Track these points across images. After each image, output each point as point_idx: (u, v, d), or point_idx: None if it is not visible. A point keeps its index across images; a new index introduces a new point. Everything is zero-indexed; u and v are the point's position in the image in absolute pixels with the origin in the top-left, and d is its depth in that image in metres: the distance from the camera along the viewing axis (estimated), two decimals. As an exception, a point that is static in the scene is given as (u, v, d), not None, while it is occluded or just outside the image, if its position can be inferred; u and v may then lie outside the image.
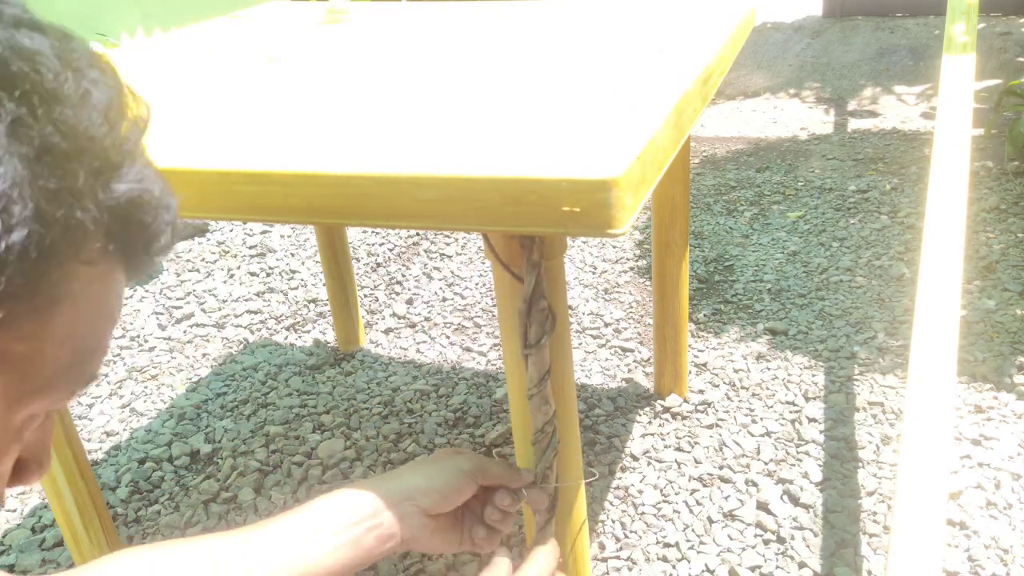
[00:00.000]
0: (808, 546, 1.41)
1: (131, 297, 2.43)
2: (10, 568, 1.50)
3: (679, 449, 1.65)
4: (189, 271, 2.57)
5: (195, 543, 0.66)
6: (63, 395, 0.38)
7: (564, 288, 0.85)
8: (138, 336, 2.23)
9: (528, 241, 0.77)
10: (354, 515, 0.71)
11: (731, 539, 1.44)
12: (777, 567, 1.38)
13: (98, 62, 0.37)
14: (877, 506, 1.48)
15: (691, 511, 1.50)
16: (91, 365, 0.39)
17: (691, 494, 1.54)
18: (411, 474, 0.78)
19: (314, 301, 2.34)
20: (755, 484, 1.55)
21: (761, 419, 1.72)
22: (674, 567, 1.40)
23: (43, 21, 0.36)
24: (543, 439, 0.86)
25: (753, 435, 1.68)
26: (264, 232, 2.79)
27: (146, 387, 2.01)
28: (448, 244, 2.62)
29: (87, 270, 0.36)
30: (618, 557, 1.43)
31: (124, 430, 1.85)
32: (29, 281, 0.33)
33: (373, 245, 2.65)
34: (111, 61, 0.38)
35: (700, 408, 1.76)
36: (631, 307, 2.19)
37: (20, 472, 0.42)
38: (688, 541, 1.45)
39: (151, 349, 2.17)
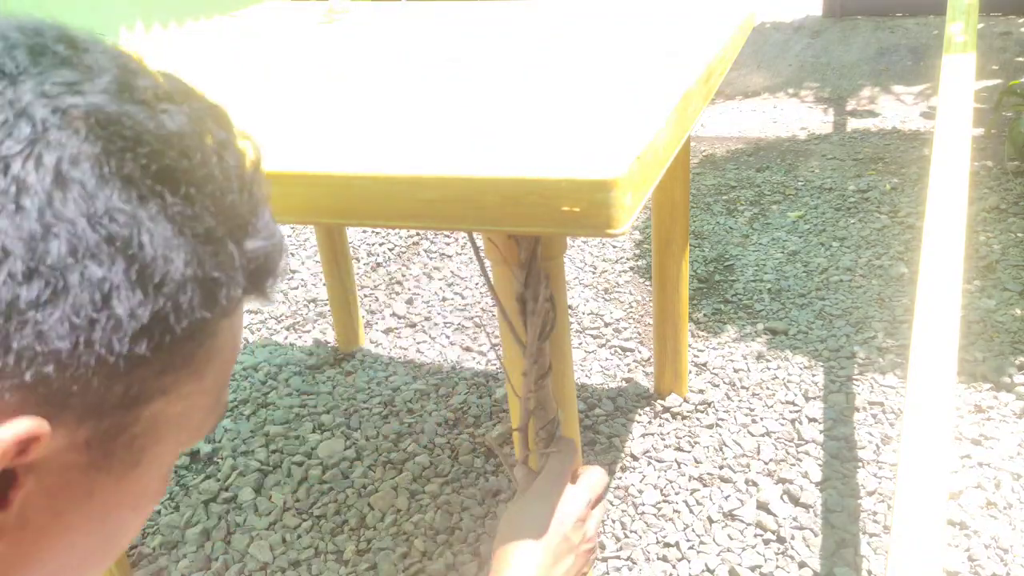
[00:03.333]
0: (808, 546, 1.41)
1: (131, 297, 2.43)
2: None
3: (679, 449, 1.65)
4: (189, 271, 2.57)
5: None
6: (206, 432, 0.41)
7: (564, 288, 0.85)
8: (138, 336, 2.23)
9: (521, 239, 0.77)
10: None
11: (731, 539, 1.44)
12: (777, 567, 1.38)
13: (214, 114, 0.38)
14: (877, 506, 1.48)
15: (691, 511, 1.50)
16: (225, 397, 0.42)
17: (691, 494, 1.54)
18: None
19: (314, 301, 2.34)
20: (755, 484, 1.55)
21: (761, 419, 1.72)
22: (674, 567, 1.40)
23: (162, 81, 0.37)
24: (542, 441, 0.86)
25: (753, 435, 1.68)
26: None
27: (146, 387, 2.01)
28: (448, 244, 2.62)
29: (229, 321, 0.39)
30: (618, 557, 1.43)
31: (124, 430, 1.85)
32: (191, 354, 0.36)
33: (373, 245, 2.65)
34: (215, 103, 0.39)
35: (700, 408, 1.76)
36: (631, 307, 2.19)
37: None
38: (688, 541, 1.45)
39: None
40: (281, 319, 2.26)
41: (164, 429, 0.37)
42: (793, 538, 1.43)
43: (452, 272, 2.44)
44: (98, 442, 0.34)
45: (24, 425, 0.31)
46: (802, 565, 1.38)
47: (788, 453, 1.62)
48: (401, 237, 2.68)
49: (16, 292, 0.30)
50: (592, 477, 0.82)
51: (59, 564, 0.37)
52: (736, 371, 1.87)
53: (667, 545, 1.44)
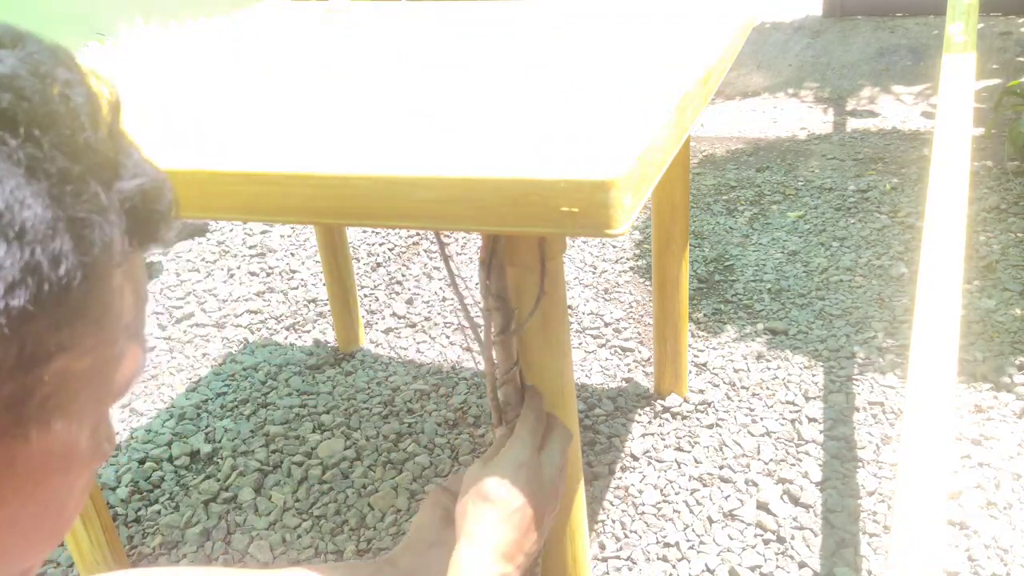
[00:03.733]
0: (808, 546, 1.41)
1: (131, 297, 2.43)
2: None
3: (679, 449, 1.66)
4: (189, 271, 2.57)
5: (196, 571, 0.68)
6: (127, 387, 0.40)
7: (564, 288, 0.85)
8: (138, 336, 2.23)
9: (491, 240, 0.77)
10: None
11: (731, 539, 1.44)
12: (777, 567, 1.38)
13: (55, 55, 0.37)
14: (877, 506, 1.48)
15: (691, 511, 1.50)
16: (142, 352, 0.41)
17: (691, 494, 1.54)
18: (399, 550, 0.84)
19: (314, 301, 2.34)
20: (755, 484, 1.55)
21: (761, 419, 1.72)
22: (674, 567, 1.40)
23: None
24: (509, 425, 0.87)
25: (753, 435, 1.68)
26: (264, 232, 2.79)
27: (146, 387, 2.01)
28: (448, 244, 2.62)
29: (120, 271, 0.37)
30: (618, 557, 1.43)
31: (124, 430, 1.85)
32: (81, 304, 0.34)
33: (373, 245, 2.65)
34: (57, 45, 0.37)
35: (700, 408, 1.76)
36: (631, 307, 2.19)
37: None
38: (688, 541, 1.45)
39: (151, 349, 2.17)
40: (281, 319, 2.26)
41: (75, 385, 0.36)
42: (793, 538, 1.43)
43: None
44: (5, 409, 0.33)
45: None
46: (802, 565, 1.38)
47: (788, 453, 1.62)
48: (401, 237, 2.68)
49: None
50: (557, 441, 0.82)
51: (2, 543, 0.37)
52: (736, 371, 1.87)
53: (667, 545, 1.44)
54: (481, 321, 0.85)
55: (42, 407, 0.35)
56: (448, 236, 2.66)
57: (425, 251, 2.59)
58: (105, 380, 0.38)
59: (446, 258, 0.81)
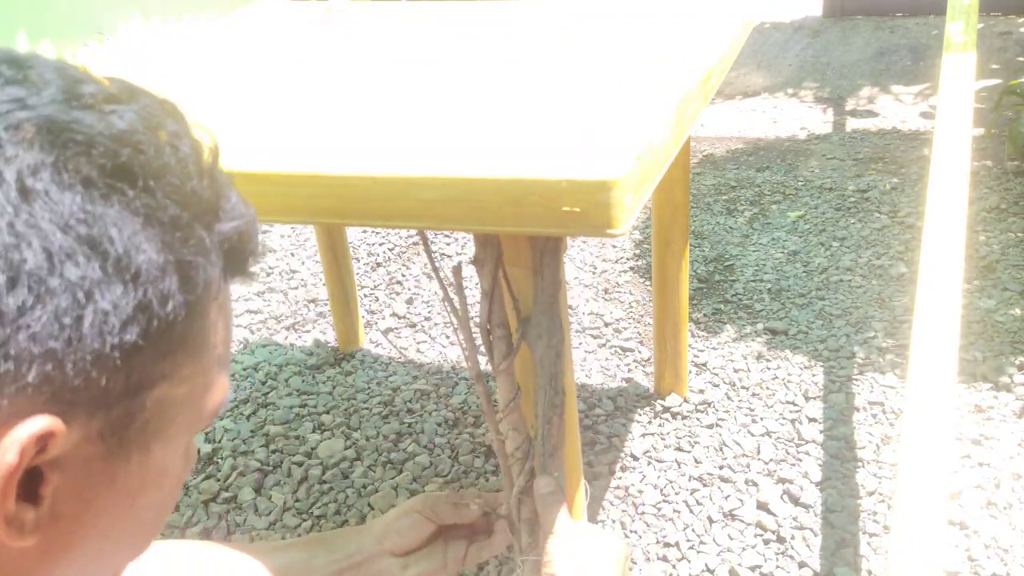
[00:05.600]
0: (808, 546, 1.41)
1: (131, 297, 2.43)
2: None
3: (679, 449, 1.66)
4: (189, 271, 2.57)
5: (206, 547, 0.76)
6: (216, 410, 0.44)
7: (564, 288, 0.84)
8: (138, 336, 2.23)
9: (485, 240, 0.77)
10: (340, 561, 0.84)
11: (731, 539, 1.44)
12: (777, 567, 1.38)
13: (164, 108, 0.40)
14: (877, 506, 1.48)
15: (691, 511, 1.50)
16: (226, 376, 0.44)
17: (691, 494, 1.54)
18: (377, 523, 0.89)
19: (314, 301, 2.34)
20: (755, 484, 1.55)
21: (761, 419, 1.72)
22: (674, 567, 1.40)
23: (108, 84, 0.38)
24: (517, 463, 0.85)
25: (753, 435, 1.68)
26: (264, 232, 2.79)
27: (146, 387, 2.01)
28: (448, 244, 2.62)
29: (217, 303, 0.41)
30: (618, 557, 1.43)
31: (124, 430, 1.85)
32: (182, 337, 0.38)
33: (373, 245, 2.65)
34: (164, 99, 0.40)
35: (700, 408, 1.76)
36: (631, 307, 2.19)
37: None
38: (688, 541, 1.45)
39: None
40: (281, 319, 2.26)
41: (172, 411, 0.39)
42: (793, 538, 1.43)
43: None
44: (111, 431, 0.36)
45: (39, 423, 0.33)
46: (802, 565, 1.38)
47: (788, 453, 1.62)
48: (401, 237, 2.68)
49: (3, 302, 0.32)
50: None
51: (97, 549, 0.39)
52: (736, 371, 1.87)
53: (667, 545, 1.44)
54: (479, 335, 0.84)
55: (143, 431, 0.38)
56: (448, 236, 2.66)
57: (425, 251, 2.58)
58: (198, 407, 0.41)
59: (433, 263, 0.81)
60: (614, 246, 2.50)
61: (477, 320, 0.82)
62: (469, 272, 2.43)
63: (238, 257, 0.42)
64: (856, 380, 1.81)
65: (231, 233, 0.40)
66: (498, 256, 0.78)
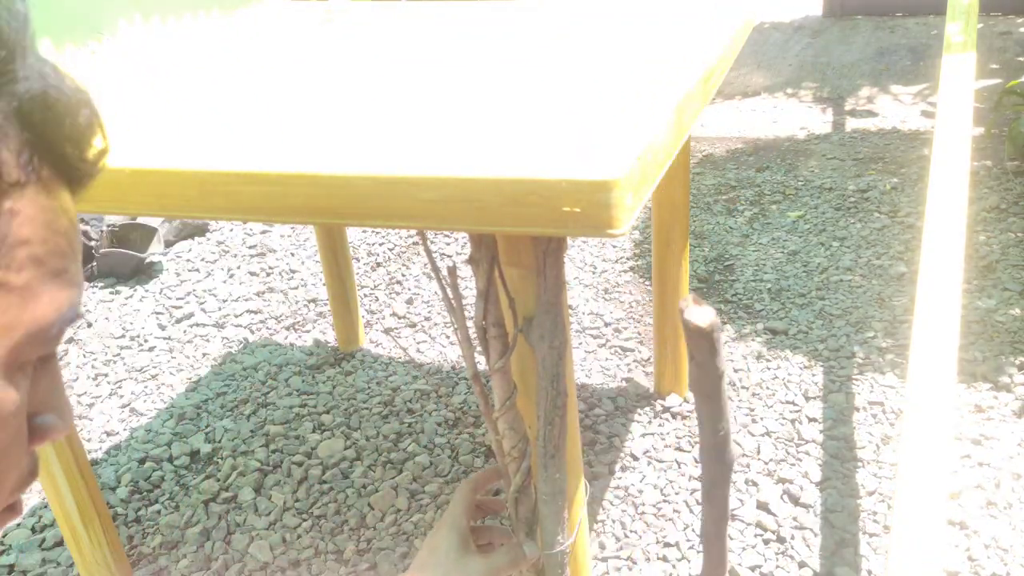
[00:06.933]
0: (808, 546, 1.41)
1: (131, 297, 2.43)
2: (10, 568, 1.50)
3: (679, 449, 1.66)
4: (189, 271, 2.57)
5: None
6: (45, 329, 0.36)
7: (564, 288, 0.84)
8: (138, 336, 2.23)
9: (480, 240, 0.77)
10: None
11: (731, 539, 1.44)
12: (777, 567, 1.38)
13: None
14: (877, 506, 1.48)
15: (691, 511, 1.50)
16: (64, 281, 0.37)
17: (691, 494, 1.54)
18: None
19: (314, 301, 2.34)
20: (755, 484, 1.55)
21: (761, 419, 1.72)
22: (674, 567, 1.40)
23: None
24: (513, 462, 0.85)
25: (753, 435, 1.68)
26: (264, 232, 2.79)
27: (146, 387, 2.01)
28: (448, 244, 2.62)
29: (30, 200, 0.34)
30: (618, 557, 1.43)
31: (124, 430, 1.85)
32: None
33: (373, 245, 2.65)
34: None
35: (700, 408, 1.76)
36: (631, 307, 2.19)
37: (40, 431, 0.39)
38: (688, 541, 1.45)
39: (151, 349, 2.17)
40: (281, 319, 2.26)
41: None
42: (793, 538, 1.43)
43: (452, 272, 2.44)
44: None
45: None
46: (802, 565, 1.38)
47: (788, 453, 1.62)
48: (401, 237, 2.68)
49: None
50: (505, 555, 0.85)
51: None
52: (736, 371, 1.87)
53: (667, 545, 1.44)
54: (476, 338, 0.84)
55: None
56: (448, 236, 2.66)
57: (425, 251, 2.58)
58: (8, 319, 0.34)
59: (434, 262, 0.81)
60: (614, 246, 2.50)
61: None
62: (469, 272, 2.42)
63: (47, 136, 0.34)
64: (856, 380, 1.81)
65: (24, 95, 0.32)
66: (493, 255, 0.78)
